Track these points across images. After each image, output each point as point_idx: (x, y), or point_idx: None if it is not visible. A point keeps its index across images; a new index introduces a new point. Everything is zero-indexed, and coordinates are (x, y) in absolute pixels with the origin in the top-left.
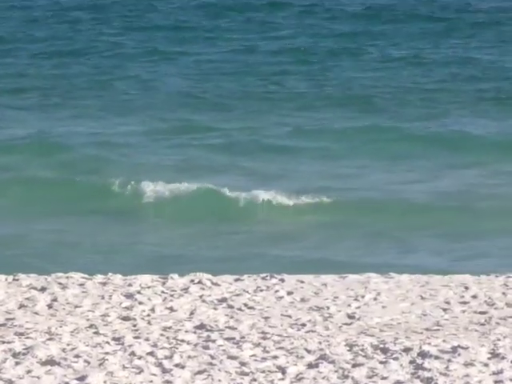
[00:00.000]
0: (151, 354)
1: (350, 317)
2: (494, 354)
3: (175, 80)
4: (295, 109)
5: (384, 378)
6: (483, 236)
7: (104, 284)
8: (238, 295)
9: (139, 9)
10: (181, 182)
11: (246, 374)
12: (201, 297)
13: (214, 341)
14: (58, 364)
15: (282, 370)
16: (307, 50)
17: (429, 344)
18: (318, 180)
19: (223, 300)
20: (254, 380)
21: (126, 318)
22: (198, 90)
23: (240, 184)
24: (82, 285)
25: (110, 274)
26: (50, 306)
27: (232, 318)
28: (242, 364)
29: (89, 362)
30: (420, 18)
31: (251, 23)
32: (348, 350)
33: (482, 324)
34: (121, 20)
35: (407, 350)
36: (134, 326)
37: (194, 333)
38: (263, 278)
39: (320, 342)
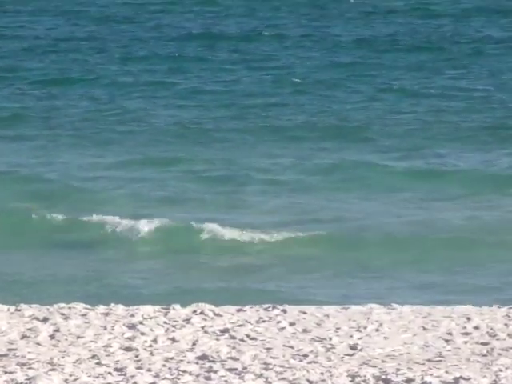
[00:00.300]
0: None
1: (352, 348)
2: None
3: (167, 111)
4: (286, 140)
5: None
6: (476, 268)
7: (106, 314)
8: (240, 326)
9: (133, 39)
10: (159, 215)
11: None
12: (203, 327)
13: (215, 371)
14: None
15: None
16: (302, 80)
17: (431, 375)
18: (305, 213)
19: (225, 331)
20: None
21: (128, 349)
22: (189, 121)
23: (222, 217)
24: (84, 315)
25: (112, 304)
26: (52, 337)
27: (234, 348)
28: None
29: None
30: (416, 49)
31: (245, 54)
32: (350, 381)
33: (484, 355)
34: (113, 51)
35: (409, 381)
36: (137, 356)
37: (196, 363)
38: (265, 309)
39: (322, 373)
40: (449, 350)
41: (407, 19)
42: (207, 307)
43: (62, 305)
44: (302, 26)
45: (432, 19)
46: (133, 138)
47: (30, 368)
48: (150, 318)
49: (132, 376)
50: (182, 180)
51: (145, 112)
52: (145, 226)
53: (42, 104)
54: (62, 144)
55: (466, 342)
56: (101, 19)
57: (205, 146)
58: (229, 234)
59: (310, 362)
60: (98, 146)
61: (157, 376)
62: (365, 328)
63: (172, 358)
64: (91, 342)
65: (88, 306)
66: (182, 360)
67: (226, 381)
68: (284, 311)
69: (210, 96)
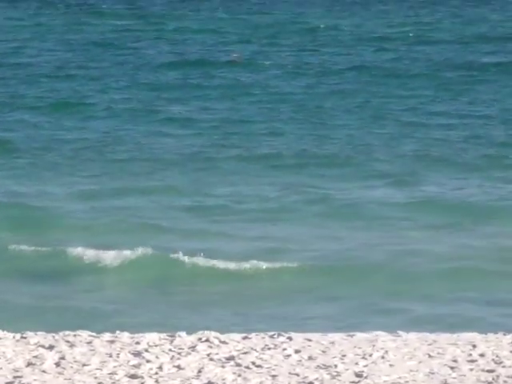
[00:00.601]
0: None
1: (358, 375)
2: None
3: (159, 139)
4: (279, 168)
5: None
6: (474, 297)
7: (112, 342)
8: (245, 353)
9: (129, 67)
10: (142, 244)
11: None
12: (208, 355)
13: None
14: None
15: None
16: (296, 107)
17: None
18: (292, 242)
19: (231, 358)
20: None
21: (133, 376)
22: (181, 150)
23: (209, 246)
24: (89, 343)
25: (117, 332)
26: (57, 364)
27: (240, 376)
28: None
29: None
30: (412, 76)
31: (240, 81)
32: None
33: (490, 382)
34: (108, 78)
35: None
36: None
37: None
38: (271, 337)
39: None
40: (454, 378)
41: (404, 46)
42: (212, 334)
43: (68, 332)
44: (298, 53)
45: (429, 46)
46: (123, 167)
47: None
48: (156, 346)
49: None
50: (172, 209)
51: (137, 140)
52: (125, 256)
53: (33, 131)
54: (50, 172)
55: (471, 370)
56: (96, 46)
57: (195, 174)
58: (216, 263)
59: None
60: (87, 174)
61: None
62: (370, 355)
63: None
64: (97, 369)
65: (93, 334)
66: None
67: None
68: (289, 338)
69: (204, 124)
